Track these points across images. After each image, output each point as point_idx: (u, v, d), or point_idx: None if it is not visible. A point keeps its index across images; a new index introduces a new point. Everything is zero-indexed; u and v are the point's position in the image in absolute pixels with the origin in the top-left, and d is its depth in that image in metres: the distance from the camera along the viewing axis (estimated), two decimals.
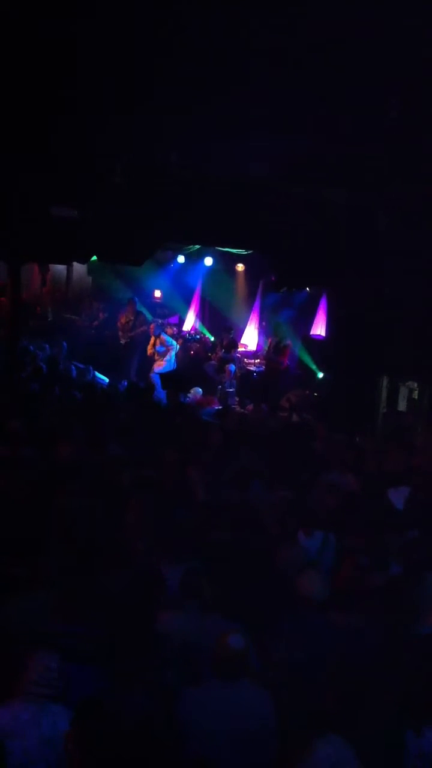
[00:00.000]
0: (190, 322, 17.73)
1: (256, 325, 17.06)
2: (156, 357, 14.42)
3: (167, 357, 14.40)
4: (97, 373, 13.87)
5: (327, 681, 3.83)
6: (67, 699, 3.63)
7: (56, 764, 3.49)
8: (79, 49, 6.65)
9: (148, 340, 15.50)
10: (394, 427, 11.38)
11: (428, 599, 4.66)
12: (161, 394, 12.64)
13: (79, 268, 16.86)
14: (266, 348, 15.24)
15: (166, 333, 14.84)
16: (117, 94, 7.78)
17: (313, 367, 14.35)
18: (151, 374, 14.18)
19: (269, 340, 15.47)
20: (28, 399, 9.45)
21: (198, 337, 17.03)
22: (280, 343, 14.61)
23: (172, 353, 14.50)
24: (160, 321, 16.68)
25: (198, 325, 17.61)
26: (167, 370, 14.39)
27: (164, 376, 13.86)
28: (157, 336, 14.47)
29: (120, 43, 6.43)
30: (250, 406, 14.07)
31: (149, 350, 14.62)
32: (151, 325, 14.86)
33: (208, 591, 4.60)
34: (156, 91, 7.46)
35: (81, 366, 13.87)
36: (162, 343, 14.39)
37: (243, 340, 16.74)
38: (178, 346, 14.82)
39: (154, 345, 14.46)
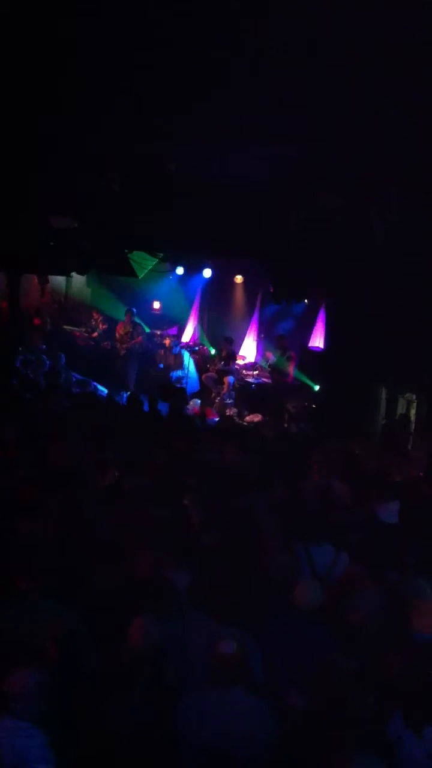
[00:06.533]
0: (189, 333, 17.77)
1: (255, 337, 17.09)
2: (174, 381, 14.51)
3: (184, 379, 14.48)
4: (97, 385, 13.89)
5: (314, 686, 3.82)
6: (44, 718, 3.54)
7: None
8: (76, 56, 6.68)
9: (149, 352, 15.61)
10: (392, 438, 11.38)
11: (418, 604, 4.65)
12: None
13: (78, 279, 16.90)
14: (271, 362, 15.19)
15: (178, 347, 14.86)
16: (114, 103, 7.82)
17: (309, 382, 14.34)
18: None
19: (268, 354, 15.47)
20: (23, 406, 9.44)
21: (197, 348, 17.04)
22: (284, 353, 14.61)
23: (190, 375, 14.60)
24: (158, 332, 16.73)
25: (198, 335, 17.63)
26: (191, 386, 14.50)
27: (164, 389, 13.86)
28: (176, 355, 14.47)
29: (118, 50, 6.46)
30: (249, 417, 14.10)
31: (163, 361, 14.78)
32: (167, 339, 14.94)
33: (211, 597, 4.59)
34: (153, 101, 7.49)
35: (82, 378, 13.89)
36: (178, 366, 14.45)
37: (242, 352, 16.76)
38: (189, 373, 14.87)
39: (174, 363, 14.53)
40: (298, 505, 6.80)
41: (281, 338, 15.03)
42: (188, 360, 15.05)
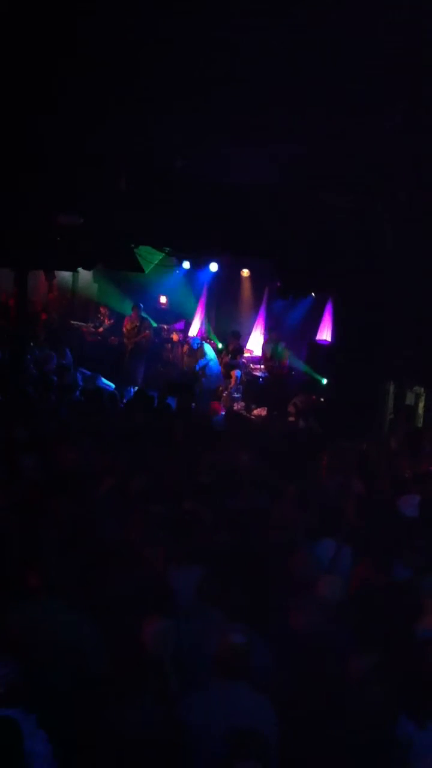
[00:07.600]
0: (195, 327, 17.76)
1: (262, 331, 17.06)
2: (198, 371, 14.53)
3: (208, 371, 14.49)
4: (103, 380, 13.91)
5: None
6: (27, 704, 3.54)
7: None
8: (76, 56, 6.69)
9: (156, 347, 15.60)
10: (401, 433, 11.36)
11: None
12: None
13: (85, 274, 16.91)
14: (266, 354, 15.20)
15: (198, 341, 14.82)
16: (120, 102, 7.83)
17: (316, 376, 14.33)
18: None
19: (265, 346, 15.47)
20: (31, 406, 9.48)
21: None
22: (277, 347, 14.59)
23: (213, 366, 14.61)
24: (165, 327, 16.71)
25: (205, 330, 17.62)
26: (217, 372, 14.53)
27: (171, 384, 13.86)
28: (197, 348, 14.47)
29: (124, 48, 6.45)
30: (256, 411, 14.09)
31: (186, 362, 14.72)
32: (174, 334, 14.90)
33: (223, 596, 4.62)
34: (160, 100, 7.49)
35: (88, 373, 13.92)
36: (201, 356, 14.48)
37: (249, 346, 16.73)
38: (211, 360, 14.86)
39: (196, 359, 14.52)
40: (305, 503, 6.80)
41: (272, 331, 14.99)
42: (209, 349, 15.04)
